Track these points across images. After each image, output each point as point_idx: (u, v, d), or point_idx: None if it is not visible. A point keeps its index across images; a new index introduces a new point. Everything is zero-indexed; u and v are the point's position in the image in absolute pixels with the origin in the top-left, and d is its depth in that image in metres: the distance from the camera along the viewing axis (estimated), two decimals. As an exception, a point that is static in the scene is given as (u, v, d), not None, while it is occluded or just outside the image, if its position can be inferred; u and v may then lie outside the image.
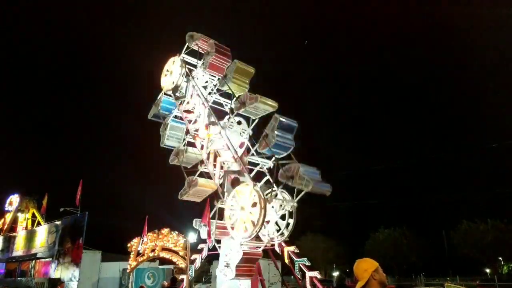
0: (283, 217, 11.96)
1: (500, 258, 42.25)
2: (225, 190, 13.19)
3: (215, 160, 14.30)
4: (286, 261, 13.79)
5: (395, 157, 76.89)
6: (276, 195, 11.74)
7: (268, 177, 12.54)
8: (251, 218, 11.18)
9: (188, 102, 15.80)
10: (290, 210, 11.61)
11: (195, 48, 15.52)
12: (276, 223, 11.98)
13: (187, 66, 15.67)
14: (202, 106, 14.96)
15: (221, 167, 13.87)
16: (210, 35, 15.57)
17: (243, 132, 13.99)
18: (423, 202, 55.12)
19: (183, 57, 15.80)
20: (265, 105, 13.23)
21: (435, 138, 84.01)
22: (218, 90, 14.92)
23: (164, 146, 15.65)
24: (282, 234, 11.89)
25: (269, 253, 15.82)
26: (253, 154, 13.49)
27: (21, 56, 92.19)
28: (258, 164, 13.60)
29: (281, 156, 12.22)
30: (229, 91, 14.09)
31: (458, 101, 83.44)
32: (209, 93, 15.46)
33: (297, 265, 13.45)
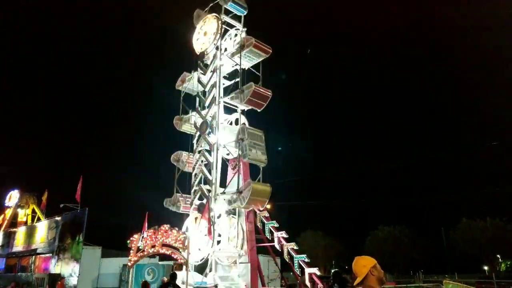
0: None
1: (498, 256, 42.40)
2: (195, 182, 15.78)
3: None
4: (286, 257, 13.87)
5: (395, 156, 77.00)
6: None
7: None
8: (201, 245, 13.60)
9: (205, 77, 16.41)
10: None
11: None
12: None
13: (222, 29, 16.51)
14: (213, 96, 15.53)
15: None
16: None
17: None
18: (423, 200, 55.19)
19: (223, 18, 16.60)
20: (259, 48, 14.72)
21: (435, 138, 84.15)
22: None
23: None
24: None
25: (269, 249, 15.91)
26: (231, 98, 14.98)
27: (20, 49, 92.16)
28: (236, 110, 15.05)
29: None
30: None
31: (458, 100, 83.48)
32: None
33: (296, 261, 13.52)
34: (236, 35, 16.36)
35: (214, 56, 16.14)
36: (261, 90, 14.91)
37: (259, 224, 15.06)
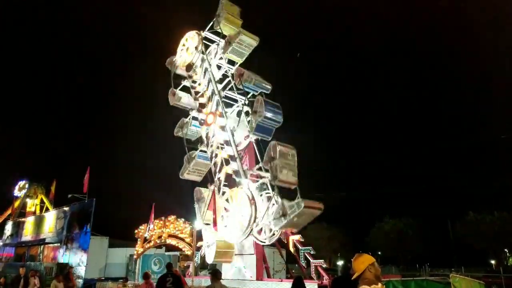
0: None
1: (506, 250, 42.13)
2: (217, 170, 13.92)
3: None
4: (291, 249, 13.85)
5: (402, 147, 76.42)
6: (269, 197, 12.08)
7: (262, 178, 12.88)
8: (242, 221, 11.93)
9: (199, 84, 16.11)
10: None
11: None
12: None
13: (204, 44, 15.98)
14: (212, 90, 15.23)
15: (218, 147, 14.75)
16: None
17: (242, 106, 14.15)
18: (429, 192, 54.86)
19: (203, 35, 16.13)
20: (249, 38, 14.45)
21: (443, 130, 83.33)
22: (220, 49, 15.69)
23: (182, 177, 16.23)
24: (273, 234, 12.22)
25: (274, 241, 15.92)
26: (231, 89, 14.55)
27: (28, 39, 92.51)
28: (236, 102, 14.69)
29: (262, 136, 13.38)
30: (220, 30, 15.18)
31: (472, 90, 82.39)
32: (222, 79, 15.76)
33: (302, 253, 13.49)
34: (218, 45, 16.19)
35: (202, 60, 16.04)
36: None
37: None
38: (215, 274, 7.71)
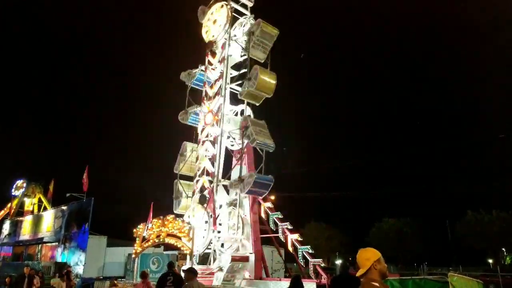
0: None
1: (503, 249, 42.20)
2: (197, 173, 16.14)
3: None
4: (290, 248, 13.85)
5: (402, 146, 76.49)
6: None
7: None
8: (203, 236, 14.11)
9: (214, 69, 16.28)
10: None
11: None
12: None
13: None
14: (220, 86, 15.41)
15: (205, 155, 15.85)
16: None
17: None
18: (429, 192, 54.89)
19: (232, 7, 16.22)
20: (269, 28, 14.62)
21: (443, 130, 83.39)
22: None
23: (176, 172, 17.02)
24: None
25: (273, 240, 15.91)
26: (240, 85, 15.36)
27: (26, 35, 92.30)
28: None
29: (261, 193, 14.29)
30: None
31: (470, 91, 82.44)
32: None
33: (300, 252, 13.49)
34: (244, 24, 16.18)
35: (223, 45, 16.07)
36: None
37: (263, 215, 15.05)
38: (191, 271, 7.27)
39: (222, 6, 16.43)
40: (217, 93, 15.85)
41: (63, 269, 16.53)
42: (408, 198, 57.72)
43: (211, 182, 15.00)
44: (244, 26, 16.03)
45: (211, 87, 16.40)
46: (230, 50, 16.00)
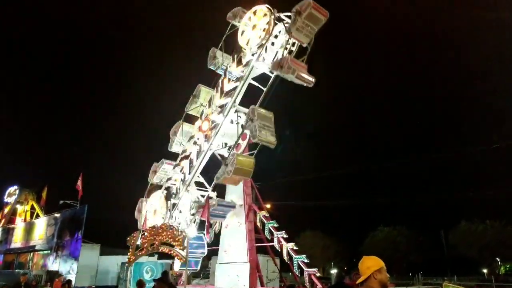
0: None
1: (497, 259, 42.39)
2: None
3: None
4: (285, 258, 13.79)
5: (395, 156, 76.80)
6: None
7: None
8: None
9: (231, 72, 15.42)
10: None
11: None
12: None
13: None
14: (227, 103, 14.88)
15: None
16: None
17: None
18: (423, 201, 55.05)
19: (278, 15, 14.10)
20: (317, 12, 12.76)
21: (436, 138, 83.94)
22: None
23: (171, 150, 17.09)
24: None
25: (268, 249, 15.84)
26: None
27: (18, 39, 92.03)
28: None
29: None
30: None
31: (461, 100, 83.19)
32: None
33: (295, 262, 13.44)
34: (280, 31, 14.36)
35: (253, 54, 14.51)
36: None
37: (259, 224, 15.00)
38: (162, 279, 6.98)
39: (265, 14, 14.54)
40: (221, 107, 14.88)
41: (54, 278, 16.30)
42: (403, 208, 57.84)
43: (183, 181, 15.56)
44: (276, 38, 14.41)
45: (229, 81, 15.24)
46: (256, 63, 14.44)
